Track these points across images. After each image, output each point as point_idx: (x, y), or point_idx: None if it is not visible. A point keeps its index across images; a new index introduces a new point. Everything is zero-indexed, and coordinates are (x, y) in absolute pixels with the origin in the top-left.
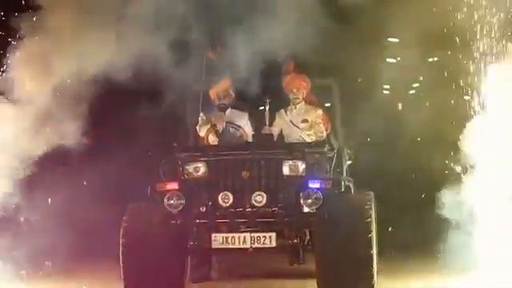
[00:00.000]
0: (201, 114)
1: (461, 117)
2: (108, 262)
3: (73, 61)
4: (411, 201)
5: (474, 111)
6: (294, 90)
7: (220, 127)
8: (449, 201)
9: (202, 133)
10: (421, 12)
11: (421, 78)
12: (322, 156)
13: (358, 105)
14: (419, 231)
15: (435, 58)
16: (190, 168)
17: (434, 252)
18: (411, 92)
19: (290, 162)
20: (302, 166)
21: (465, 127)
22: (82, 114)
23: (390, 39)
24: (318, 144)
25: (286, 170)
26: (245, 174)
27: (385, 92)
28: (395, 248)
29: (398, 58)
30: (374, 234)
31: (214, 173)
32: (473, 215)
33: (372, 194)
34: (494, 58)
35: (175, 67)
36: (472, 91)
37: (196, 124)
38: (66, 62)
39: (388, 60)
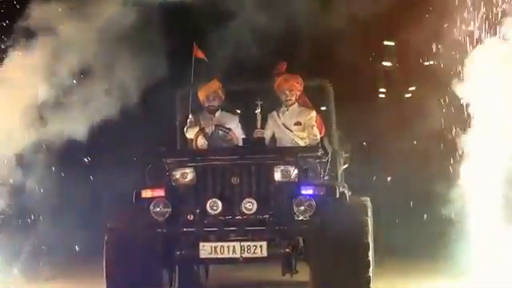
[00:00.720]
0: (189, 116)
1: (459, 119)
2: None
3: None
4: (409, 204)
5: (473, 113)
6: (287, 92)
7: (209, 130)
8: (447, 203)
9: (190, 135)
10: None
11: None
12: (316, 160)
13: (354, 107)
14: (417, 234)
15: (431, 62)
16: (177, 174)
17: (432, 255)
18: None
19: (282, 167)
20: (294, 171)
21: (463, 129)
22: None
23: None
24: (311, 148)
25: (277, 176)
26: (234, 180)
27: (381, 95)
28: (393, 251)
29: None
30: (370, 242)
31: (202, 179)
32: (472, 217)
33: (368, 199)
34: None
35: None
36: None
37: (184, 127)
38: None
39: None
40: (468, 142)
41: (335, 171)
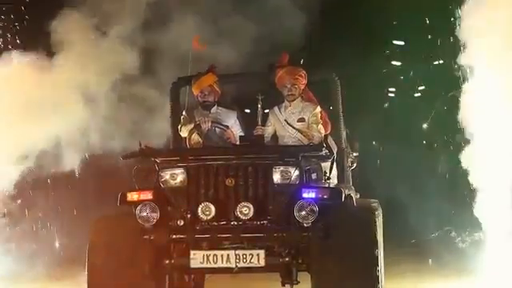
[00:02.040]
0: (183, 113)
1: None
2: None
3: None
4: (417, 204)
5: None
6: (289, 85)
7: (205, 127)
8: (456, 204)
9: (184, 133)
10: None
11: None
12: (319, 161)
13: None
14: (426, 235)
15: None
16: (167, 175)
17: (439, 256)
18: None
19: (282, 168)
20: (295, 172)
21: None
22: None
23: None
24: (314, 147)
25: (276, 178)
26: (229, 181)
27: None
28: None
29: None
30: (380, 250)
31: (194, 180)
32: (479, 218)
33: (377, 202)
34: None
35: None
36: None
37: (178, 123)
38: None
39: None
40: (478, 143)
41: (341, 172)
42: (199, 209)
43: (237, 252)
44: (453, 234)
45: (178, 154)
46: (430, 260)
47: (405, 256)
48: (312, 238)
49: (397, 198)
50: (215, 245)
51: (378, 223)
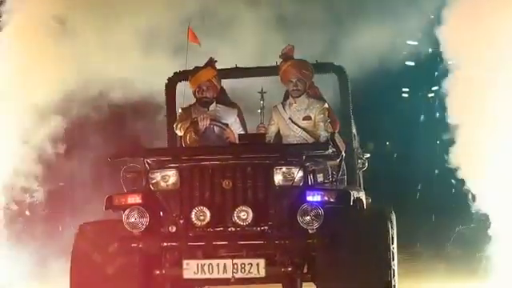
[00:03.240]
0: (179, 110)
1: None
2: None
3: None
4: (430, 206)
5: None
6: (294, 80)
7: (203, 125)
8: (467, 206)
9: (180, 131)
10: None
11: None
12: (326, 161)
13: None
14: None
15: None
16: (157, 176)
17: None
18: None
19: (284, 169)
20: (298, 173)
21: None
22: None
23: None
24: (319, 145)
25: (278, 179)
26: (226, 183)
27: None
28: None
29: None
30: (393, 260)
31: (187, 182)
32: (490, 221)
33: (391, 207)
34: None
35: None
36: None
37: (174, 121)
38: None
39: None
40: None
41: (351, 174)
42: (193, 213)
43: (234, 261)
44: (463, 233)
45: (169, 153)
46: (441, 260)
47: (414, 256)
48: (317, 245)
49: (407, 198)
50: (211, 253)
51: (391, 230)
